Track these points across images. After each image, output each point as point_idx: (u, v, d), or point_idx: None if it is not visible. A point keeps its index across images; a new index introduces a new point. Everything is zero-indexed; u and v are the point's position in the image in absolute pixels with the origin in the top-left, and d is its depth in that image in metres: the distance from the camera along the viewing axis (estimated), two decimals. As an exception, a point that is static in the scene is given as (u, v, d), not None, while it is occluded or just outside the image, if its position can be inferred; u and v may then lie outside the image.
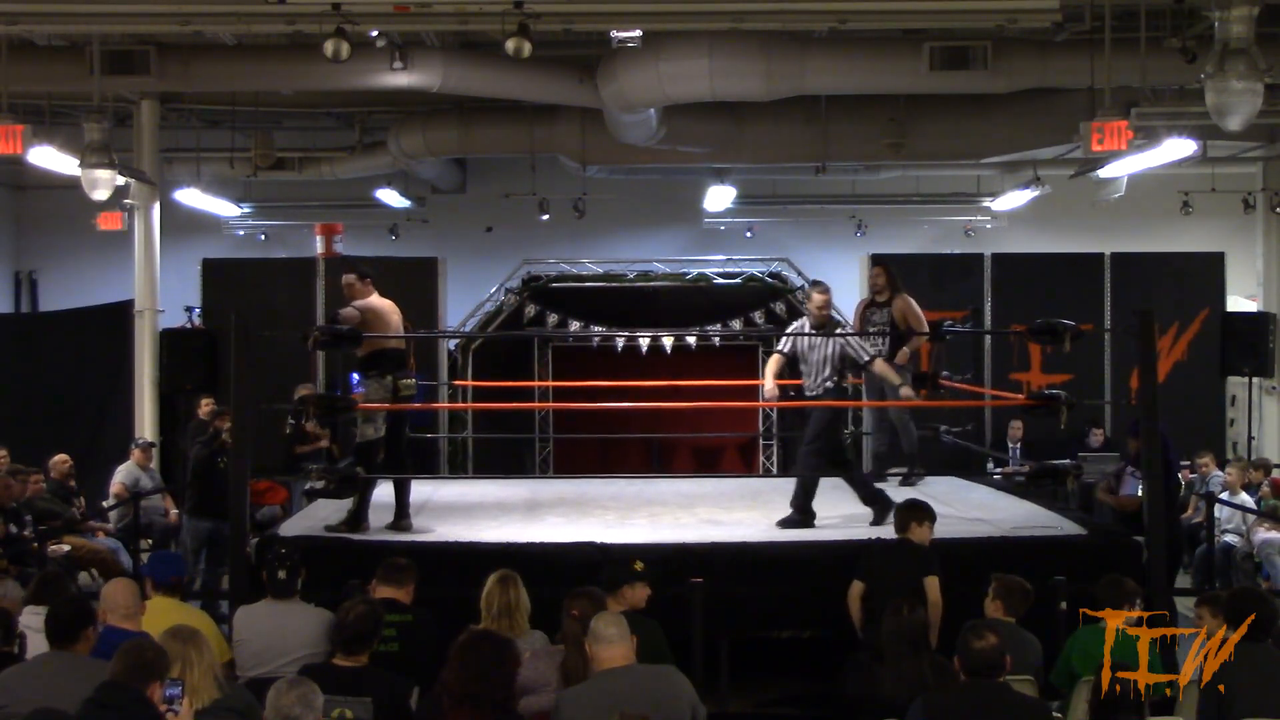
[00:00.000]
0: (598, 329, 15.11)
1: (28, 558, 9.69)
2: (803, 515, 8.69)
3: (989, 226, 17.75)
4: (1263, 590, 7.84)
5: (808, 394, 8.87)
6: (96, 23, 10.33)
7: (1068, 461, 9.07)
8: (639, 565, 6.44)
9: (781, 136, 14.52)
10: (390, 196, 16.87)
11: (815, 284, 9.17)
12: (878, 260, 10.98)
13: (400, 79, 11.91)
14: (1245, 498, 11.69)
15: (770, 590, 7.69)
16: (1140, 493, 8.42)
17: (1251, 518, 11.36)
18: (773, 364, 9.06)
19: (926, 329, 10.60)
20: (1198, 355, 14.84)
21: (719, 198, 16.72)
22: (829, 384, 8.77)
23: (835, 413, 8.99)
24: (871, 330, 10.40)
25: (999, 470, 12.90)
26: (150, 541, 12.00)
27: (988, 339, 13.88)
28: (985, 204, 17.34)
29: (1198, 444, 13.33)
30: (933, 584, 7.08)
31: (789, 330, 9.01)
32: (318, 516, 9.03)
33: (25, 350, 16.02)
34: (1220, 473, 12.47)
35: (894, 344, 10.29)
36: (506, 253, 16.53)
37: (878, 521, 8.61)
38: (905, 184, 17.17)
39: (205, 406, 12.95)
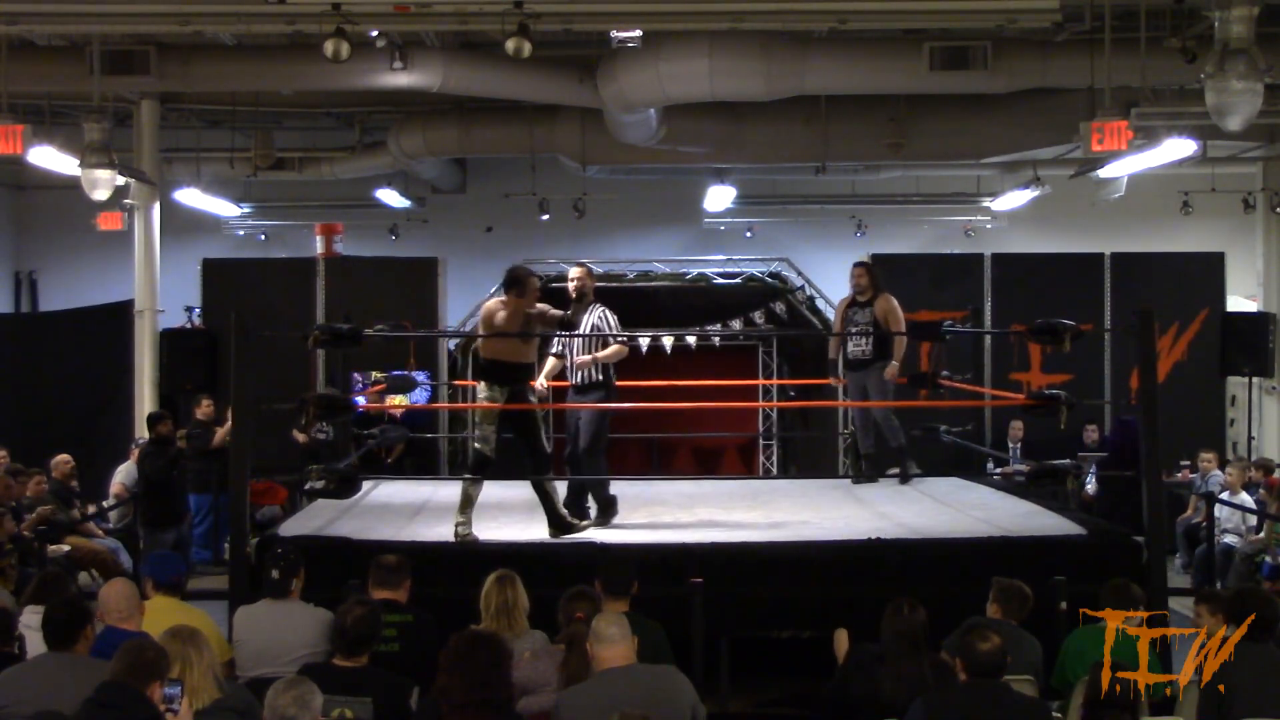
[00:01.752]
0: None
1: (28, 558, 9.69)
2: (606, 513, 8.70)
3: (989, 226, 17.75)
4: (1265, 590, 7.83)
5: (574, 392, 8.79)
6: (96, 23, 10.33)
7: (1068, 461, 9.06)
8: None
9: (781, 136, 14.52)
10: (390, 196, 16.88)
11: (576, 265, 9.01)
12: (859, 261, 11.05)
13: (400, 79, 11.92)
14: (1245, 497, 11.69)
15: (770, 590, 7.68)
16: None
17: (1253, 517, 11.36)
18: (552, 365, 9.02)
19: (904, 329, 10.60)
20: (1198, 355, 14.83)
21: (719, 198, 16.72)
22: (596, 375, 8.72)
23: (605, 412, 8.89)
24: (854, 330, 10.45)
25: (999, 470, 12.89)
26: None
27: (988, 339, 13.87)
28: (985, 204, 17.34)
29: (1198, 444, 13.35)
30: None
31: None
32: (318, 516, 9.01)
33: (25, 350, 16.03)
34: (1220, 472, 12.47)
35: (876, 343, 10.34)
36: (506, 253, 16.47)
37: (603, 523, 8.61)
38: (905, 184, 17.17)
39: (206, 407, 12.97)
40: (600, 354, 8.75)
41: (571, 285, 8.80)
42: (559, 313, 8.52)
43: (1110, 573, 6.84)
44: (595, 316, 8.75)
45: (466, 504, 8.24)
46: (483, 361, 8.45)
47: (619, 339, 8.74)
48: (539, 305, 8.47)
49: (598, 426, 8.81)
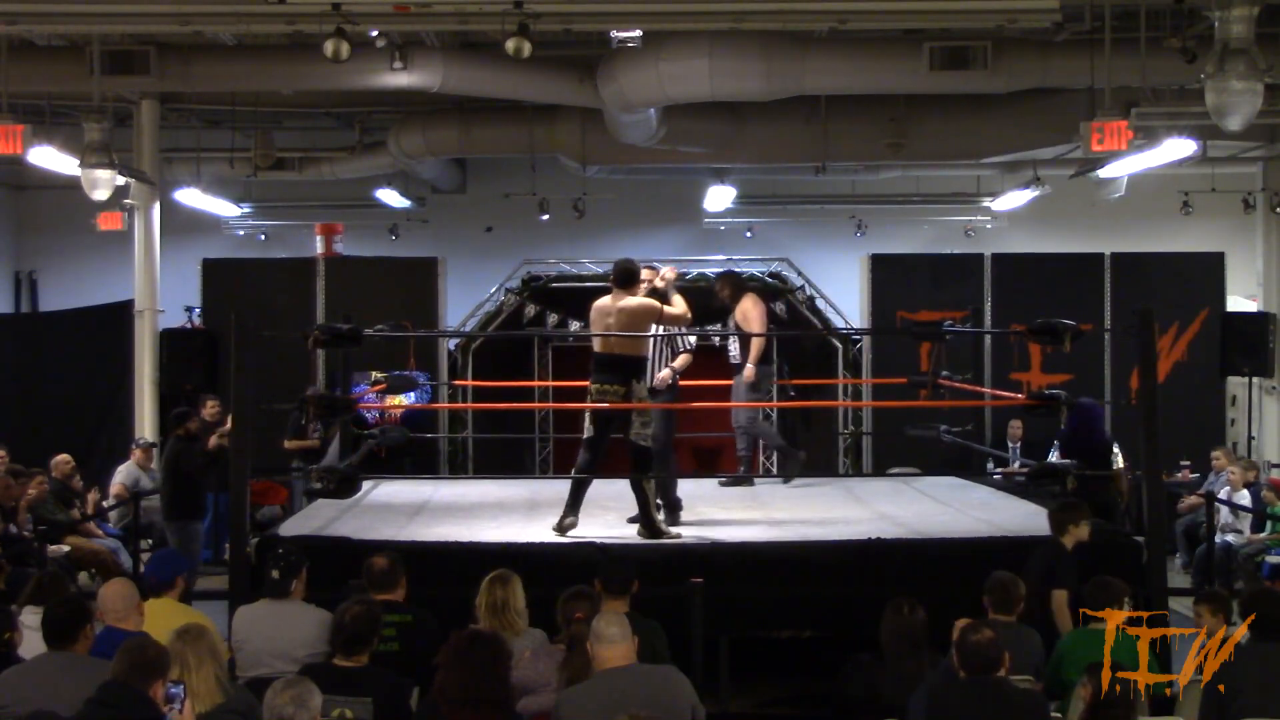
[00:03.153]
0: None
1: (28, 558, 9.70)
2: (674, 512, 8.77)
3: (989, 226, 17.74)
4: (1268, 589, 7.83)
5: (652, 392, 8.82)
6: (96, 23, 10.32)
7: (1067, 461, 9.06)
8: None
9: (781, 136, 14.52)
10: (390, 196, 16.87)
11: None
12: (718, 275, 11.34)
13: (400, 79, 11.91)
14: (1245, 496, 11.69)
15: (770, 590, 7.69)
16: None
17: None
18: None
19: (756, 329, 10.61)
20: (1198, 355, 14.83)
21: (719, 198, 16.71)
22: (669, 381, 8.94)
23: (671, 415, 9.13)
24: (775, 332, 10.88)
25: (999, 470, 12.89)
26: (150, 541, 11.99)
27: (988, 339, 13.87)
28: (985, 204, 17.33)
29: (1198, 444, 13.33)
30: (1059, 597, 6.93)
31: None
32: (318, 517, 9.01)
33: (25, 350, 16.03)
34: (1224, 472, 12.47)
35: (742, 344, 10.55)
36: (506, 253, 16.52)
37: (672, 522, 8.62)
38: (905, 184, 17.17)
39: (210, 407, 12.94)
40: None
41: (642, 288, 8.74)
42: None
43: (1110, 573, 6.84)
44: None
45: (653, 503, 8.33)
46: (614, 357, 8.38)
47: (688, 349, 9.12)
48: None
49: (668, 429, 8.94)
